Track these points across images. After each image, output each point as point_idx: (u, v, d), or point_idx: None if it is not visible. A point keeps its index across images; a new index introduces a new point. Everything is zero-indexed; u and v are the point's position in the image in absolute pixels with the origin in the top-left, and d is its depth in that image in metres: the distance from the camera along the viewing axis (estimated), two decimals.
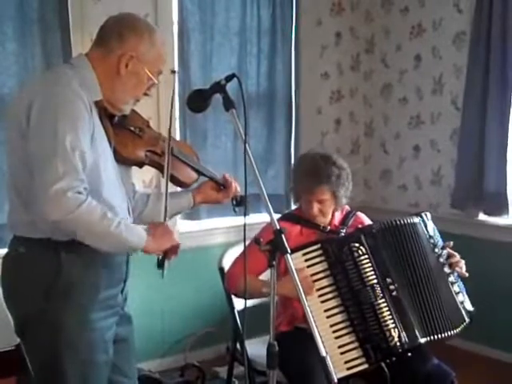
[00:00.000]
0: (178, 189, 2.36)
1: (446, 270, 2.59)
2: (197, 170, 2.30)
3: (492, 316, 3.95)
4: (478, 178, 3.98)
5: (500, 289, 3.99)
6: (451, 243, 2.63)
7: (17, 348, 2.49)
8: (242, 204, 2.27)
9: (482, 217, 4.11)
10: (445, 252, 2.61)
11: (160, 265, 2.01)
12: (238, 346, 2.79)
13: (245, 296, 2.00)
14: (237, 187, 2.32)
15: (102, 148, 1.92)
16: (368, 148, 4.77)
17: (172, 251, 2.03)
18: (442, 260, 2.60)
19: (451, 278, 2.59)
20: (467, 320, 2.58)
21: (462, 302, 2.59)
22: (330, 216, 2.73)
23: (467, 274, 2.61)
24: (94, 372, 1.97)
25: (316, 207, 2.66)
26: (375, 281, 2.45)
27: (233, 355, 2.84)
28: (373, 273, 2.46)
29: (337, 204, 2.69)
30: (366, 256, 2.47)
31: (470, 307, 2.62)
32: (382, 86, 4.67)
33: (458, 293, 2.60)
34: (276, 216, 1.93)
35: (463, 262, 2.62)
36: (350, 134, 4.74)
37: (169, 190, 2.10)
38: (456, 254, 2.63)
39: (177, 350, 3.89)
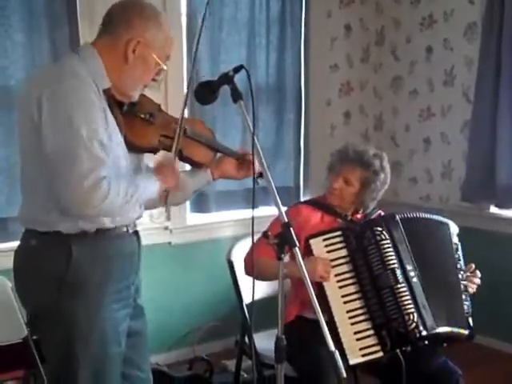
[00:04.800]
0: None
1: (462, 279, 2.57)
2: (213, 148, 2.27)
3: (504, 309, 3.93)
4: (489, 171, 3.94)
5: None
6: (473, 266, 2.62)
7: (24, 341, 2.50)
8: (262, 175, 2.18)
9: (493, 209, 4.08)
10: (464, 267, 2.61)
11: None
12: (247, 339, 2.78)
13: (254, 278, 1.99)
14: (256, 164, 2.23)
15: (114, 136, 1.90)
16: (378, 141, 4.74)
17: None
18: (459, 266, 2.59)
19: (463, 288, 2.57)
20: (466, 332, 2.53)
21: (467, 313, 2.55)
22: (348, 206, 2.71)
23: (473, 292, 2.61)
24: (106, 364, 1.97)
25: (340, 183, 2.65)
26: (396, 265, 2.44)
27: (241, 348, 2.84)
28: (394, 257, 2.45)
29: (360, 198, 2.68)
30: (388, 241, 2.46)
31: (471, 323, 2.57)
32: (392, 78, 4.63)
33: (466, 304, 2.57)
34: (284, 209, 1.91)
35: (479, 281, 2.61)
36: (359, 127, 4.72)
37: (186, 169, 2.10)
38: (478, 273, 2.62)
39: (185, 343, 3.90)
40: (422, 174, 4.51)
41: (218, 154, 2.32)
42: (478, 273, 2.62)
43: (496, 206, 4.04)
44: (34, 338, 2.43)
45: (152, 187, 1.97)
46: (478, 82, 3.97)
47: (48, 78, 1.88)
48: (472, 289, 2.60)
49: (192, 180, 2.25)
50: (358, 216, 2.75)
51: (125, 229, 2.02)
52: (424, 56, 4.41)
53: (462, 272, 2.59)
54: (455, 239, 2.64)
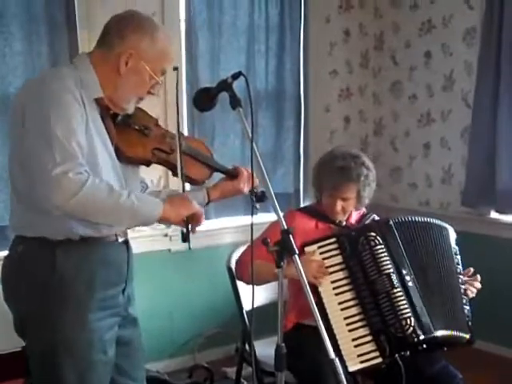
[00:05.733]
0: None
1: (461, 283, 2.56)
2: (209, 166, 2.25)
3: (504, 314, 3.91)
4: (490, 176, 3.94)
5: None
6: (471, 270, 2.61)
7: (23, 350, 2.49)
8: (263, 199, 2.14)
9: (493, 215, 4.07)
10: (462, 270, 2.60)
11: (184, 238, 1.97)
12: (247, 346, 2.77)
13: (252, 282, 2.00)
14: (255, 180, 2.13)
15: (98, 144, 1.90)
16: (377, 146, 4.74)
17: (194, 220, 1.98)
18: (458, 270, 2.58)
19: (463, 292, 2.56)
20: (467, 336, 2.51)
21: (468, 317, 2.54)
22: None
23: (472, 296, 2.60)
24: (91, 372, 1.96)
25: (340, 205, 2.65)
26: (391, 270, 2.43)
27: (241, 356, 2.82)
28: (389, 262, 2.44)
29: (359, 203, 2.69)
30: (382, 246, 2.46)
31: (471, 327, 2.55)
32: (392, 83, 4.63)
33: (466, 308, 2.56)
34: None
35: (479, 286, 2.60)
36: (359, 132, 4.71)
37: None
38: (478, 277, 2.61)
39: (185, 351, 3.88)
40: (421, 180, 4.50)
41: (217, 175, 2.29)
42: (478, 277, 2.61)
43: (496, 211, 4.03)
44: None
45: (153, 206, 1.90)
46: (478, 86, 3.97)
47: (33, 86, 1.90)
48: (472, 293, 2.59)
49: None
50: (353, 221, 2.76)
51: (113, 237, 2.00)
52: (423, 61, 4.41)
53: (461, 276, 2.58)
54: (454, 243, 2.63)
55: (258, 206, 2.09)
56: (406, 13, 4.48)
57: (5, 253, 2.42)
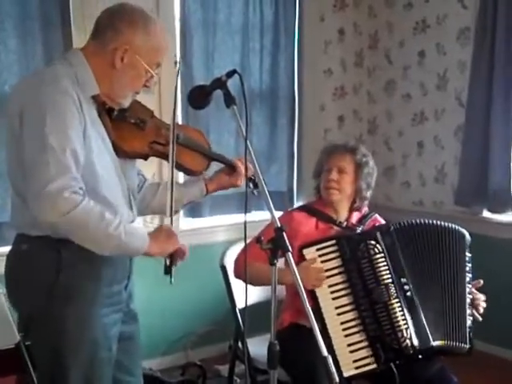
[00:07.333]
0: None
1: (469, 292, 2.53)
2: (206, 156, 2.24)
3: (498, 314, 3.92)
4: (483, 175, 3.95)
5: (505, 286, 3.95)
6: (481, 282, 2.58)
7: (17, 347, 2.48)
8: (258, 186, 2.13)
9: (486, 214, 4.08)
10: (471, 282, 2.56)
11: (167, 271, 1.98)
12: (240, 344, 2.77)
13: (246, 280, 2.01)
14: (250, 168, 2.11)
15: (97, 144, 1.89)
16: (371, 145, 4.74)
17: (178, 255, 2.00)
18: (468, 279, 2.53)
19: (468, 301, 2.52)
20: (466, 347, 2.48)
21: (469, 328, 2.51)
22: (346, 202, 2.71)
23: (481, 319, 2.56)
24: (96, 368, 1.96)
25: (335, 174, 2.66)
26: (390, 280, 2.40)
27: (234, 353, 2.82)
28: (388, 272, 2.41)
29: (356, 185, 2.67)
30: (382, 255, 2.42)
31: (472, 337, 2.53)
32: (386, 82, 4.64)
33: (470, 319, 2.53)
34: (278, 214, 1.91)
35: (484, 305, 2.58)
36: (353, 131, 4.72)
37: (180, 180, 2.05)
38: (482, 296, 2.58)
39: (178, 348, 3.89)
40: (415, 179, 4.51)
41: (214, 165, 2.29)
42: (482, 296, 2.58)
43: (489, 210, 4.04)
44: (27, 343, 2.43)
45: (139, 243, 1.89)
46: (471, 86, 3.98)
47: (29, 87, 1.87)
48: (479, 311, 2.56)
49: (184, 191, 2.24)
50: (353, 221, 2.73)
51: None
52: (417, 60, 4.42)
53: (469, 286, 2.54)
54: (467, 250, 2.56)
55: (255, 192, 2.11)
56: (400, 12, 4.50)
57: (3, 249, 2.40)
